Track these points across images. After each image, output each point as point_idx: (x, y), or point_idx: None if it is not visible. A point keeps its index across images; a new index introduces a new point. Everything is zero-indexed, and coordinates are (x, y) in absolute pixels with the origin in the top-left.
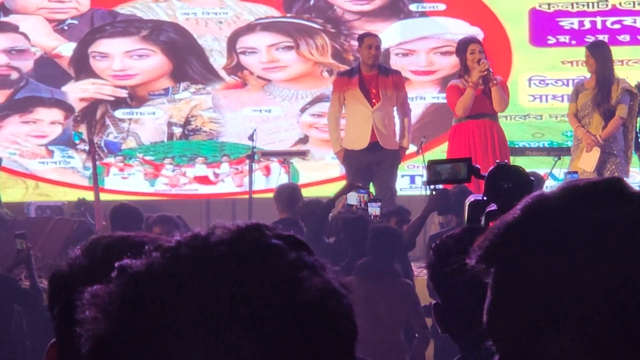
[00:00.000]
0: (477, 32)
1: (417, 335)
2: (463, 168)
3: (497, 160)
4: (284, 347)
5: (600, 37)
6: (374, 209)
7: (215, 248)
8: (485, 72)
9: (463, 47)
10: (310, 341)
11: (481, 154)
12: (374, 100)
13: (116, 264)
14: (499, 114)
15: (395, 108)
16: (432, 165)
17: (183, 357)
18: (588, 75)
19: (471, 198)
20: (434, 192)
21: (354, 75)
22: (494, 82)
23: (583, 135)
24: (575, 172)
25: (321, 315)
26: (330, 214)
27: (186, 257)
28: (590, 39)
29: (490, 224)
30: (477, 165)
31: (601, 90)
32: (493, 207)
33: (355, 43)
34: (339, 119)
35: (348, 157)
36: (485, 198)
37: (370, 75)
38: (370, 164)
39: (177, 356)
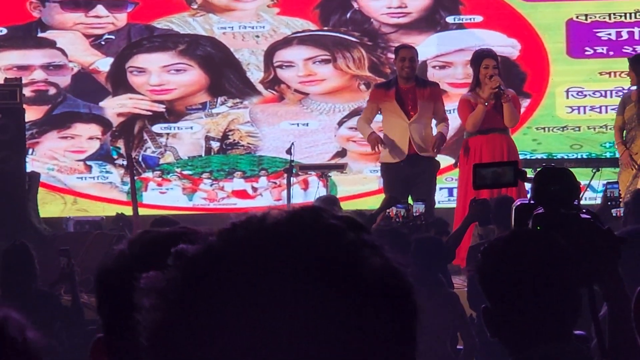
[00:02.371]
0: (515, 44)
1: (463, 345)
2: (509, 172)
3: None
4: (346, 327)
5: (639, 47)
6: (419, 206)
7: (273, 228)
8: (497, 90)
9: (477, 60)
10: (373, 320)
11: None
12: (411, 112)
13: (172, 250)
14: (537, 125)
15: (434, 120)
16: (477, 170)
17: (247, 339)
18: (626, 86)
19: (518, 202)
20: (474, 203)
21: (391, 88)
22: (506, 98)
23: (622, 154)
24: (616, 183)
25: (383, 294)
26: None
27: (243, 239)
28: (627, 49)
29: (538, 227)
30: (524, 169)
31: None
32: (540, 210)
33: (392, 56)
34: (368, 121)
35: (386, 169)
36: (532, 201)
37: (407, 88)
38: (408, 176)
39: (241, 339)
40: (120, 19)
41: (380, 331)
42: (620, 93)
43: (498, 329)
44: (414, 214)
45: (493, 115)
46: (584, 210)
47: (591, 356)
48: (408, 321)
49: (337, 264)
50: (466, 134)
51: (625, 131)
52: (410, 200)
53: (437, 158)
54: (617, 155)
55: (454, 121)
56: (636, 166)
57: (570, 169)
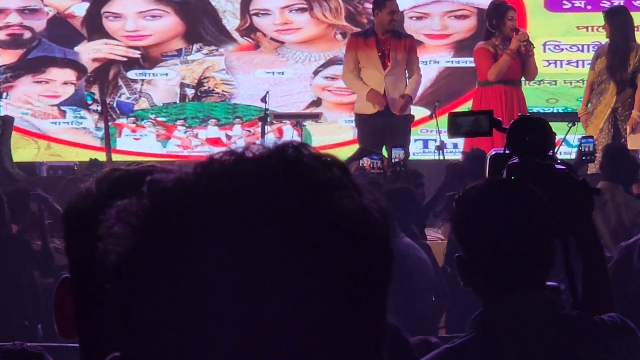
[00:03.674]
0: None
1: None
2: (484, 121)
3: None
4: (312, 267)
5: (616, 2)
6: (398, 152)
7: (249, 163)
8: (525, 42)
9: (501, 11)
10: (339, 262)
11: (507, 120)
12: (387, 64)
13: (147, 178)
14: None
15: (406, 72)
16: (452, 118)
17: (209, 270)
18: (603, 40)
19: (493, 151)
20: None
21: (369, 37)
22: (532, 52)
23: (582, 115)
24: (591, 137)
25: (352, 237)
26: None
27: (218, 172)
28: (605, 4)
29: (513, 176)
30: (499, 118)
31: (615, 57)
32: (515, 160)
33: (369, 5)
34: (355, 73)
35: (360, 120)
36: (507, 151)
37: (384, 39)
38: (383, 127)
39: (204, 270)
40: None
41: (346, 275)
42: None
43: (471, 277)
44: (394, 160)
45: (512, 67)
46: (558, 161)
47: (564, 307)
48: (380, 267)
49: (306, 205)
50: (480, 83)
51: (596, 84)
52: (384, 151)
53: (413, 109)
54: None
55: (430, 72)
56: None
57: None
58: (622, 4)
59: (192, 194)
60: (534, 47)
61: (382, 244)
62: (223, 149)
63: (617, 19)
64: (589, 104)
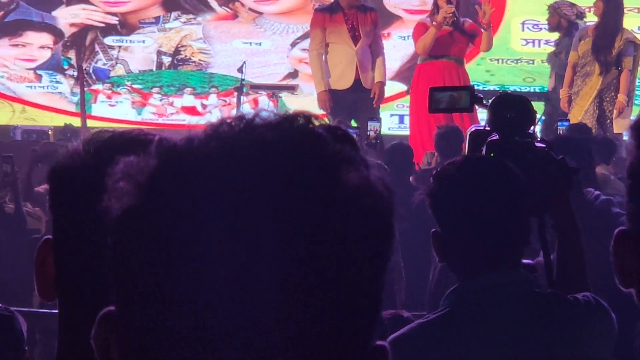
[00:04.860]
0: None
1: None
2: (465, 96)
3: None
4: (315, 237)
5: None
6: (374, 124)
7: (259, 129)
8: (450, 15)
9: None
10: (343, 238)
11: None
12: (358, 38)
13: (156, 138)
14: (492, 57)
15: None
16: (433, 93)
17: (215, 233)
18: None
19: (472, 128)
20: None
21: (335, 12)
22: (486, 27)
23: (563, 97)
24: (567, 120)
25: (356, 212)
26: None
27: (227, 135)
28: None
29: (492, 154)
30: (480, 95)
31: (602, 37)
32: (495, 136)
33: None
34: (322, 55)
35: (332, 95)
36: (487, 128)
37: (351, 13)
38: (355, 102)
39: (205, 231)
40: None
41: (349, 251)
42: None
43: (447, 254)
44: (368, 132)
45: (448, 42)
46: (538, 139)
47: (539, 285)
48: (381, 243)
49: (312, 177)
50: (420, 59)
51: (578, 67)
52: (353, 123)
53: (388, 82)
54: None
55: (409, 48)
56: (624, 105)
57: None
58: None
59: (201, 155)
60: (488, 24)
61: (385, 219)
62: (198, 117)
63: (614, 1)
64: (573, 86)
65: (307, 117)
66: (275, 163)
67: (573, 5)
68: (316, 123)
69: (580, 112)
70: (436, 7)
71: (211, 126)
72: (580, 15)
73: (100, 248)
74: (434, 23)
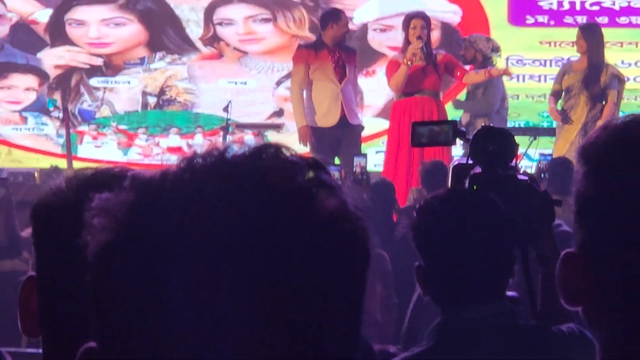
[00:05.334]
0: (456, 10)
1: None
2: (447, 130)
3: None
4: (293, 266)
5: (579, 18)
6: (360, 160)
7: (232, 161)
8: (418, 51)
9: (406, 21)
10: (320, 262)
11: None
12: (343, 76)
13: (129, 173)
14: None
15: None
16: (415, 127)
17: (190, 265)
18: (566, 56)
19: (455, 161)
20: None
21: (320, 49)
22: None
23: (552, 111)
24: (550, 155)
25: (334, 237)
26: None
27: (201, 168)
28: (569, 19)
29: (474, 187)
30: (463, 128)
31: (592, 73)
32: (477, 169)
33: None
34: (303, 90)
35: (316, 132)
36: (470, 161)
37: (335, 51)
38: (339, 139)
39: (185, 265)
40: None
41: (326, 274)
42: (560, 63)
43: (430, 287)
44: (355, 168)
45: (420, 78)
46: (521, 172)
47: (523, 317)
48: (359, 267)
49: (288, 203)
50: (395, 96)
51: (562, 100)
52: (337, 161)
53: (373, 119)
54: (555, 125)
55: None
56: (570, 121)
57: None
58: (585, 20)
59: (175, 189)
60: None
61: (362, 244)
62: None
63: (594, 36)
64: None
65: (278, 147)
66: (249, 193)
67: (489, 39)
68: (287, 152)
69: (566, 144)
70: (407, 43)
71: (184, 159)
72: (496, 49)
73: (82, 284)
74: (405, 60)
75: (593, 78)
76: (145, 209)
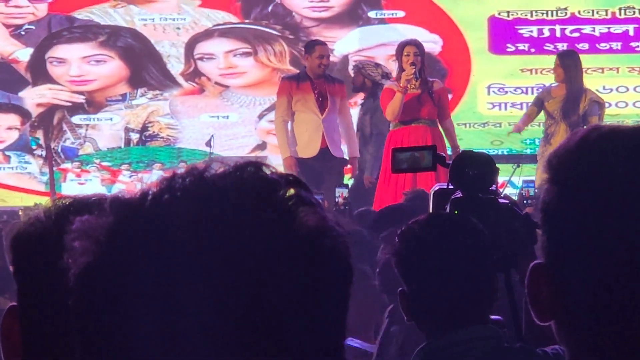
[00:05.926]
0: (436, 40)
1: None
2: (427, 156)
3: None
4: (275, 282)
5: (560, 45)
6: (342, 191)
7: (211, 180)
8: (411, 77)
9: (399, 49)
10: (303, 278)
11: None
12: (325, 108)
13: (109, 197)
14: (459, 121)
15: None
16: (395, 153)
17: (174, 286)
18: (547, 83)
19: (436, 186)
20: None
21: (303, 81)
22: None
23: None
24: (532, 181)
25: (315, 253)
26: None
27: (180, 188)
28: (549, 47)
29: (456, 211)
30: (442, 154)
31: (571, 101)
32: (458, 194)
33: None
34: (287, 122)
35: (300, 164)
36: (450, 186)
37: (319, 82)
38: (322, 170)
39: (169, 286)
40: (41, 9)
41: (310, 291)
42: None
43: (415, 312)
44: (337, 199)
45: (416, 106)
46: (501, 195)
47: (508, 340)
48: (340, 283)
49: (270, 221)
50: (392, 126)
51: (545, 125)
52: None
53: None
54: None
55: None
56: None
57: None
58: (565, 47)
59: (154, 209)
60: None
61: (343, 260)
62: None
63: (572, 63)
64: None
65: (258, 165)
66: (229, 213)
67: (378, 65)
68: (267, 170)
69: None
70: (401, 71)
71: (164, 180)
72: (386, 75)
73: (63, 312)
74: (399, 88)
75: (572, 106)
76: (125, 231)
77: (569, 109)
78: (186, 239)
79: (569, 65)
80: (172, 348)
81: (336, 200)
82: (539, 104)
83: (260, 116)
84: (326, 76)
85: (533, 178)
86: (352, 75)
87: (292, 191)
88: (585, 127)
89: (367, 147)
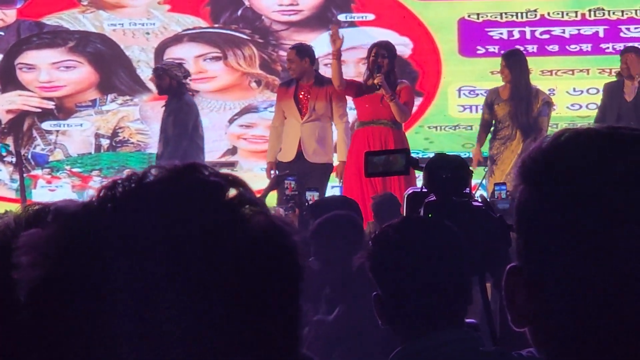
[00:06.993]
0: (407, 42)
1: None
2: (400, 160)
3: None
4: (225, 285)
5: (530, 47)
6: (313, 194)
7: (151, 186)
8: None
9: (369, 50)
10: (252, 279)
11: None
12: (304, 112)
13: (52, 207)
14: (430, 124)
15: (332, 120)
16: (368, 157)
17: (121, 295)
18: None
19: (410, 190)
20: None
21: (291, 86)
22: (391, 97)
23: (475, 155)
24: (504, 183)
25: (264, 252)
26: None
27: (122, 195)
28: (520, 49)
29: (430, 214)
30: (416, 157)
31: (520, 103)
32: (432, 197)
33: (283, 53)
34: (278, 128)
35: (278, 168)
36: (424, 189)
37: (305, 86)
38: (300, 174)
39: (116, 295)
40: (10, 15)
41: (259, 291)
42: None
43: (389, 316)
44: (307, 201)
45: (379, 107)
46: (475, 198)
47: (482, 343)
48: (290, 282)
49: (215, 223)
50: (357, 125)
51: (492, 132)
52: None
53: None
54: None
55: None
56: (489, 166)
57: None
58: (535, 49)
59: (96, 220)
60: (391, 95)
61: (292, 258)
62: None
63: (518, 63)
64: (492, 149)
65: (196, 167)
66: (171, 217)
67: (180, 65)
68: (206, 172)
69: (502, 175)
70: (367, 70)
71: (105, 189)
72: (187, 75)
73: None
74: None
75: (522, 108)
76: (72, 243)
77: (521, 113)
78: (130, 249)
79: (515, 66)
80: (127, 353)
81: (307, 202)
82: (490, 110)
83: (231, 121)
84: (317, 78)
85: (503, 180)
86: (156, 78)
87: (234, 191)
88: (535, 128)
89: (167, 148)
